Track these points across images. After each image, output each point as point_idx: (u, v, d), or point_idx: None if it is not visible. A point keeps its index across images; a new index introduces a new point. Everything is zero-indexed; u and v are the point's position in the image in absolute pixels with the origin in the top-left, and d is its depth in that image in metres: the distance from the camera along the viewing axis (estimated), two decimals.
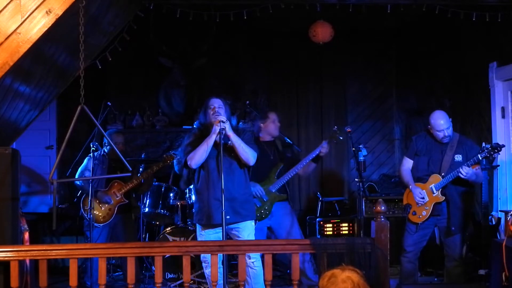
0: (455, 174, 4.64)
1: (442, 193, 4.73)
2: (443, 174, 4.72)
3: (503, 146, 4.75)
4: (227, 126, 4.16)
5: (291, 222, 5.39)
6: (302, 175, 5.90)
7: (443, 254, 4.96)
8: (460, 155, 4.75)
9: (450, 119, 4.82)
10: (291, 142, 5.73)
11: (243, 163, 4.32)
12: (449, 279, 4.85)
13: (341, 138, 5.40)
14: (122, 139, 5.73)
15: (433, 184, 4.74)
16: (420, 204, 4.76)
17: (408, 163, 4.96)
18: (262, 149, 5.22)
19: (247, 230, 4.39)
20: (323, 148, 5.26)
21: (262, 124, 5.40)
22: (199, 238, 4.43)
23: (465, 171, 4.57)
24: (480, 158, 4.58)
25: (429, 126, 4.83)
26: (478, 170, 4.72)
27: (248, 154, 4.28)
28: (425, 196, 4.75)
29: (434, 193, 4.73)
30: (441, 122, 4.74)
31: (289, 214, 5.43)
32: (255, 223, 4.99)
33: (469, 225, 4.98)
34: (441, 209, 4.77)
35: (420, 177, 4.84)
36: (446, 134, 4.75)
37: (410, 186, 4.84)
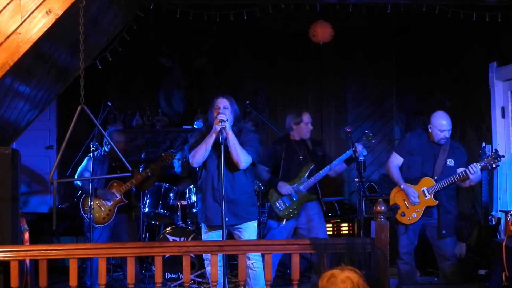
0: (450, 180, 4.57)
1: (434, 197, 4.65)
2: (435, 178, 4.65)
3: (503, 156, 4.69)
4: (227, 125, 4.18)
5: (319, 223, 5.19)
6: (330, 175, 5.47)
7: None
8: (452, 160, 4.70)
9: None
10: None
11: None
12: (445, 279, 4.80)
13: (373, 141, 5.30)
14: (123, 138, 5.68)
15: (426, 188, 4.65)
16: (413, 204, 4.70)
17: (397, 160, 4.84)
18: (291, 148, 5.17)
19: (249, 231, 4.40)
20: (357, 150, 5.04)
21: (294, 126, 5.19)
22: (203, 238, 4.46)
23: (474, 169, 4.46)
24: (480, 167, 4.47)
25: (429, 125, 4.74)
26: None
27: (240, 157, 4.23)
28: (417, 197, 4.68)
29: (426, 196, 4.65)
30: (443, 123, 4.67)
31: (317, 214, 5.21)
32: (283, 222, 5.01)
33: (462, 225, 4.95)
34: (432, 211, 4.71)
35: (413, 178, 4.75)
36: (447, 135, 4.69)
37: (402, 186, 4.75)
